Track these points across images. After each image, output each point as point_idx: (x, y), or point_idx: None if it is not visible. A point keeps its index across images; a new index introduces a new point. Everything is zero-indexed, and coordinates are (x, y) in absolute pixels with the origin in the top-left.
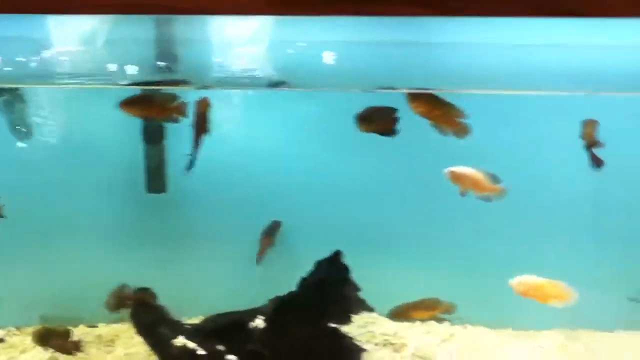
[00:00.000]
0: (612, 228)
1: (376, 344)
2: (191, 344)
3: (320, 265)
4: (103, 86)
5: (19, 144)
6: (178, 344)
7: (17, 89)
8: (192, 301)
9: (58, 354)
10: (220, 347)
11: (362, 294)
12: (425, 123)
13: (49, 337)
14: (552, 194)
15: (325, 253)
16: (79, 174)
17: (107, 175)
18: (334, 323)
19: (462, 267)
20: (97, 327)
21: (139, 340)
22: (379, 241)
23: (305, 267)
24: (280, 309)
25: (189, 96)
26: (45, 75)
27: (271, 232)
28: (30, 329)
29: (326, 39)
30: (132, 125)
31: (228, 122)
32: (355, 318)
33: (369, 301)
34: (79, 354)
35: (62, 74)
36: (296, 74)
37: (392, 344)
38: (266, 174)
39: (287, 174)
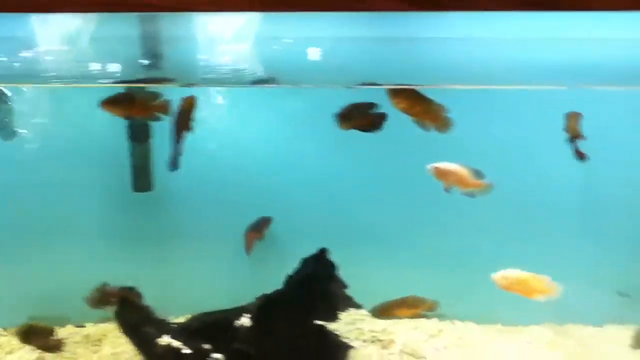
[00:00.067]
0: (600, 223)
1: (364, 341)
2: (176, 343)
3: (307, 262)
4: (88, 85)
5: (4, 143)
6: (163, 343)
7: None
8: (179, 300)
9: (45, 354)
10: (206, 346)
11: (348, 291)
12: (408, 119)
13: (31, 335)
14: (539, 188)
15: (310, 250)
16: (64, 173)
17: (93, 174)
18: (320, 321)
19: (450, 264)
20: (84, 326)
21: (126, 339)
22: (363, 238)
23: (291, 265)
24: (267, 307)
25: (174, 94)
26: (30, 75)
27: (260, 227)
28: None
29: (310, 36)
30: (117, 123)
31: (213, 120)
32: (343, 315)
33: (355, 298)
34: (66, 354)
35: (46, 73)
36: (281, 70)
37: (380, 340)
38: (252, 171)
39: (273, 171)
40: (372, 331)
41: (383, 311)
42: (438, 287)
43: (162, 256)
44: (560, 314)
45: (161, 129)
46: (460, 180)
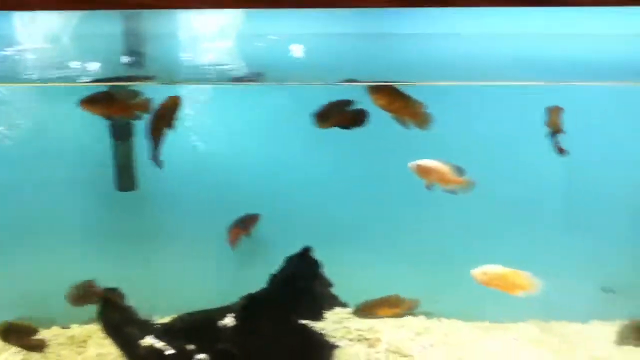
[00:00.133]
0: (584, 219)
1: (350, 340)
2: (160, 344)
3: (291, 261)
4: (69, 84)
5: None
6: (146, 344)
7: None
8: (162, 300)
9: (30, 354)
10: (190, 346)
11: (333, 290)
12: (388, 116)
13: (11, 334)
14: (523, 185)
15: (293, 249)
16: (47, 173)
17: (76, 173)
18: (305, 319)
19: (435, 261)
20: (69, 328)
21: (111, 340)
22: (346, 236)
23: (275, 264)
24: (251, 307)
25: (157, 92)
26: (12, 73)
27: (246, 223)
28: None
29: (291, 33)
30: (99, 122)
31: (197, 118)
32: (329, 314)
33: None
34: (51, 355)
35: (28, 72)
36: (263, 68)
37: (366, 339)
38: (236, 170)
39: (255, 170)
40: (359, 330)
41: (364, 310)
42: (424, 285)
43: (146, 256)
44: (545, 310)
45: (144, 128)
46: (441, 178)
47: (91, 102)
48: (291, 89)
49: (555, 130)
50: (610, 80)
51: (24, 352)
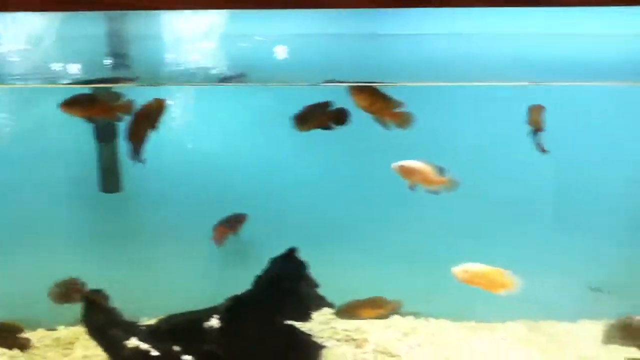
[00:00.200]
0: (573, 219)
1: (338, 340)
2: (145, 345)
3: (276, 262)
4: (53, 85)
5: None
6: (131, 346)
7: None
8: (147, 302)
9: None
10: (176, 348)
11: (320, 290)
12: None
13: None
14: (510, 185)
15: (278, 249)
16: (32, 174)
17: (61, 175)
18: (292, 320)
19: (422, 261)
20: (56, 329)
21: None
22: (331, 237)
23: (258, 265)
24: (237, 308)
25: (141, 94)
26: None
27: (233, 222)
28: None
29: (272, 33)
30: (84, 124)
31: (181, 119)
32: (316, 315)
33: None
34: (37, 357)
35: (11, 73)
36: (246, 68)
37: (354, 339)
38: (221, 171)
39: (240, 171)
40: (346, 330)
41: (346, 312)
42: (411, 285)
43: (130, 257)
44: (534, 310)
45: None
46: (424, 178)
47: (72, 104)
48: (276, 90)
49: (536, 128)
50: (596, 80)
51: (9, 353)
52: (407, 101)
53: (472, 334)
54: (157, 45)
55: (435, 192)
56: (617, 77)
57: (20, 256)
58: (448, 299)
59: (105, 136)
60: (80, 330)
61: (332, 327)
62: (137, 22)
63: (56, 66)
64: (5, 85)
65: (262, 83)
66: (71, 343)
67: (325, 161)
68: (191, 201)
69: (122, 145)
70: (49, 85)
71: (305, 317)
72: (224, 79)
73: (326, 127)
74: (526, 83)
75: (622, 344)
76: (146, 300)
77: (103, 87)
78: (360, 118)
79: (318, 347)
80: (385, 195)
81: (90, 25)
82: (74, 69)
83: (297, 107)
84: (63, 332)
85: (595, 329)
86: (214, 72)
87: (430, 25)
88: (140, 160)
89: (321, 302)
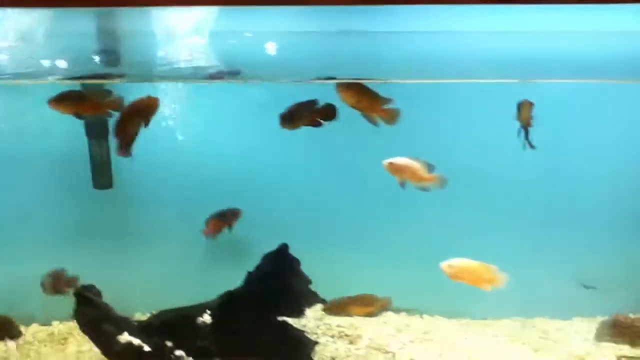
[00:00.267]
0: (565, 217)
1: (332, 336)
2: (137, 341)
3: (268, 258)
4: (43, 81)
5: None
6: (123, 341)
7: None
8: (140, 297)
9: (9, 354)
10: (168, 343)
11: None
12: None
13: None
14: (504, 183)
15: (268, 246)
16: (24, 171)
17: (53, 172)
18: (284, 316)
19: (416, 258)
20: (50, 325)
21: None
22: (324, 234)
23: (251, 261)
24: (229, 304)
25: (131, 90)
26: None
27: (228, 217)
28: None
29: (265, 30)
30: (75, 120)
31: (173, 116)
32: (310, 311)
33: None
34: (31, 352)
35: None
36: (237, 65)
37: (347, 335)
38: (212, 167)
39: (230, 168)
40: (340, 326)
41: (336, 308)
42: (405, 282)
43: (123, 253)
44: (526, 307)
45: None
46: (413, 175)
47: (60, 101)
48: (266, 86)
49: (525, 124)
50: (583, 77)
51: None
52: (395, 98)
53: (465, 330)
54: (146, 41)
55: (425, 189)
56: (603, 74)
57: (13, 252)
58: (442, 296)
59: (96, 133)
60: (74, 326)
61: (325, 324)
62: (127, 19)
63: (47, 63)
64: None
65: (249, 80)
66: (65, 338)
67: (316, 158)
68: (182, 197)
69: (114, 142)
70: (39, 82)
71: (298, 313)
72: (213, 76)
73: (315, 124)
74: (516, 80)
75: (614, 341)
76: (138, 296)
77: (92, 84)
78: (353, 115)
79: (310, 343)
80: (380, 192)
81: (80, 22)
82: (64, 65)
83: (287, 104)
84: (57, 327)
85: (588, 326)
86: (203, 68)
87: (418, 22)
88: (126, 156)
89: (314, 299)
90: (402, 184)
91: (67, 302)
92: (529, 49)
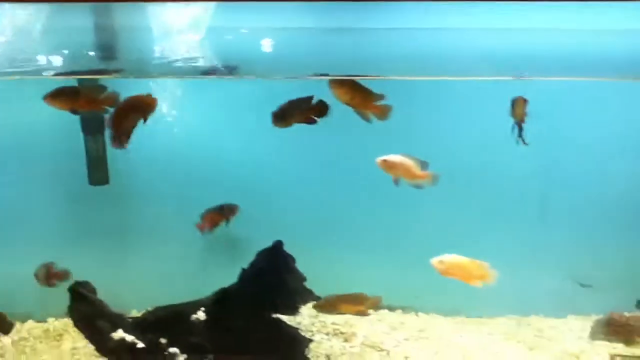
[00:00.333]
0: (561, 215)
1: (327, 334)
2: (130, 337)
3: (262, 255)
4: (39, 77)
5: None
6: (118, 337)
7: None
8: (135, 293)
9: (4, 351)
10: (162, 340)
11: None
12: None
13: None
14: (502, 183)
15: (262, 243)
16: (20, 167)
17: (49, 168)
18: (279, 313)
19: (412, 256)
20: (45, 321)
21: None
22: (319, 232)
23: (245, 258)
24: (223, 301)
25: (127, 86)
26: None
27: (226, 211)
28: None
29: (261, 26)
30: (72, 116)
31: (168, 111)
32: (305, 308)
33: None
34: (26, 349)
35: None
36: (234, 61)
37: (342, 333)
38: (209, 164)
39: (225, 165)
40: (335, 324)
41: (326, 306)
42: (400, 280)
43: (118, 249)
44: (521, 305)
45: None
46: (407, 172)
47: (55, 97)
48: (262, 83)
49: (519, 121)
50: (578, 75)
51: None
52: (389, 95)
53: (460, 328)
54: (142, 37)
55: (419, 187)
56: (597, 72)
57: (8, 249)
58: (437, 294)
59: (92, 129)
60: (69, 322)
61: (320, 321)
62: (123, 14)
63: (43, 58)
64: None
65: (244, 76)
66: (60, 335)
67: (308, 155)
68: (178, 194)
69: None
70: (34, 77)
71: (292, 310)
72: (209, 71)
73: (310, 122)
74: (510, 77)
75: (608, 340)
76: (133, 292)
77: (88, 79)
78: (347, 113)
79: (305, 341)
80: (374, 189)
81: (76, 17)
82: (60, 61)
83: (281, 100)
84: (52, 324)
85: (583, 324)
86: (199, 64)
87: (412, 19)
88: (121, 148)
89: (308, 296)
90: (396, 182)
91: (63, 298)
92: (523, 46)
